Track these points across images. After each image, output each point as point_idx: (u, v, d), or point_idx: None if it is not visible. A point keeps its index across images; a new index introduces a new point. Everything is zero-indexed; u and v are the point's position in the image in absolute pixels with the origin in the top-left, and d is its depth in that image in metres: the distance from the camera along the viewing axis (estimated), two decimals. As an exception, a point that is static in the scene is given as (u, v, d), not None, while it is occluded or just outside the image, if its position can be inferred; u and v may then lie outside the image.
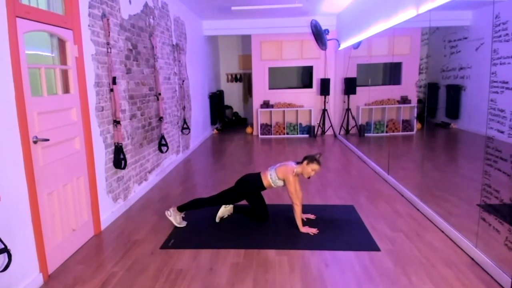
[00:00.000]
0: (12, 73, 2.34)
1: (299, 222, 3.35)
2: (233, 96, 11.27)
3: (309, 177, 3.35)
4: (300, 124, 8.95)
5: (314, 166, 3.30)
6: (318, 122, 8.92)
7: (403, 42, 5.86)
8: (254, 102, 9.14)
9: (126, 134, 4.11)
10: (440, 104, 5.30)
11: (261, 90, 9.05)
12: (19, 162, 2.42)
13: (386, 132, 7.24)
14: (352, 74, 7.77)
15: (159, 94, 5.12)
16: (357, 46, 7.11)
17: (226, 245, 3.13)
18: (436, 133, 5.67)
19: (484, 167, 2.74)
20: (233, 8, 6.93)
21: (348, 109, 7.99)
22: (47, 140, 2.66)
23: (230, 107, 11.08)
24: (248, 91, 11.04)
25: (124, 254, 3.01)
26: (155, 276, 2.66)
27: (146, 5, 4.84)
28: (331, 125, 8.76)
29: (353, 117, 8.03)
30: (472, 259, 2.76)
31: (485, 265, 2.61)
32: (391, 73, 7.28)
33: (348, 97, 7.94)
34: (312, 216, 3.65)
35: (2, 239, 2.18)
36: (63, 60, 3.09)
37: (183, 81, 6.54)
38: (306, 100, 9.02)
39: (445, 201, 3.92)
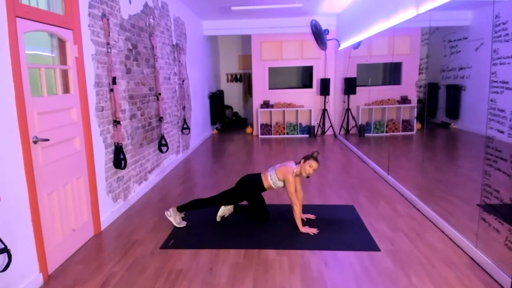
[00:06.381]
0: (12, 73, 2.34)
1: (298, 222, 3.35)
2: (233, 96, 11.27)
3: (308, 176, 3.34)
4: (300, 124, 8.95)
5: (312, 163, 3.28)
6: (318, 122, 8.92)
7: (403, 42, 5.85)
8: (254, 102, 9.14)
9: (126, 134, 4.11)
10: (440, 104, 5.30)
11: (261, 90, 9.05)
12: (19, 162, 2.42)
13: (386, 132, 7.24)
14: (352, 74, 7.77)
15: (159, 94, 5.12)
16: (357, 46, 7.11)
17: (226, 245, 3.13)
18: (436, 133, 5.66)
19: (484, 167, 2.74)
20: (233, 8, 6.93)
21: (348, 109, 7.99)
22: (47, 140, 2.66)
23: (230, 107, 11.08)
24: (248, 91, 11.04)
25: (124, 254, 3.01)
26: (155, 276, 2.66)
27: (146, 5, 4.84)
28: (331, 125, 8.76)
29: (353, 117, 8.03)
30: (472, 259, 2.76)
31: (485, 265, 2.61)
32: (391, 73, 7.28)
33: (348, 97, 7.94)
34: (312, 216, 3.65)
35: (2, 239, 2.18)
36: (63, 60, 3.09)
37: (183, 81, 6.54)
38: (306, 100, 9.02)
39: (445, 201, 3.92)
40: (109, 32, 3.64)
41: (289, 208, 3.51)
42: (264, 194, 3.68)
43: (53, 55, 3.08)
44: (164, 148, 5.28)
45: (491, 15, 2.86)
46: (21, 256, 2.40)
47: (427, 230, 3.32)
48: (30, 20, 2.56)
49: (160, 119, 5.20)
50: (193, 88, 7.40)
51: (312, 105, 8.99)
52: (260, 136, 8.94)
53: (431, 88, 5.51)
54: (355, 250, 2.98)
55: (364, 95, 7.36)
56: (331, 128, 8.79)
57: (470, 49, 4.43)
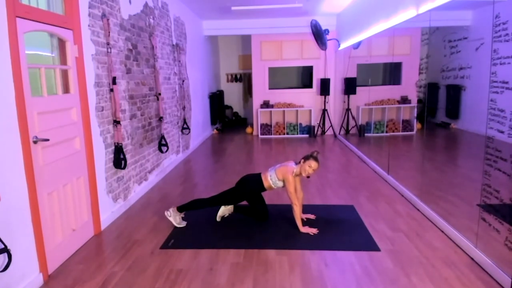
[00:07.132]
0: (12, 73, 2.34)
1: (298, 222, 3.35)
2: (233, 96, 11.27)
3: (308, 176, 3.34)
4: (300, 124, 8.95)
5: (311, 163, 3.28)
6: (318, 122, 8.92)
7: (403, 42, 5.85)
8: (254, 102, 9.14)
9: (126, 134, 4.11)
10: (440, 104, 5.30)
11: (261, 90, 9.05)
12: (19, 162, 2.42)
13: (386, 132, 7.24)
14: (352, 74, 7.77)
15: (159, 94, 5.12)
16: (357, 46, 7.11)
17: (226, 245, 3.13)
18: (436, 133, 5.66)
19: (484, 167, 2.74)
20: (233, 8, 6.93)
21: (348, 109, 7.99)
22: (47, 140, 2.66)
23: (230, 107, 11.08)
24: (248, 91, 11.04)
25: (124, 254, 3.01)
26: (155, 276, 2.66)
27: (146, 5, 4.84)
28: (331, 125, 8.76)
29: (353, 117, 8.03)
30: (472, 259, 2.76)
31: (485, 265, 2.61)
32: (391, 73, 7.28)
33: (348, 97, 7.94)
34: (312, 216, 3.65)
35: (2, 239, 2.18)
36: (63, 60, 3.09)
37: (183, 81, 6.54)
38: (306, 100, 9.02)
39: (445, 201, 3.92)
40: (109, 32, 3.64)
41: (289, 208, 3.51)
42: (264, 194, 3.68)
43: (53, 55, 3.08)
44: (164, 148, 5.28)
45: (491, 15, 2.86)
46: (21, 256, 2.40)
47: (427, 230, 3.32)
48: (30, 20, 2.56)
49: (160, 119, 5.20)
50: (193, 88, 7.40)
51: (312, 105, 8.99)
52: (260, 136, 8.94)
53: (431, 88, 5.51)
54: (355, 250, 2.98)
55: (364, 95, 7.36)
56: (331, 128, 8.79)
57: (470, 49, 4.43)
